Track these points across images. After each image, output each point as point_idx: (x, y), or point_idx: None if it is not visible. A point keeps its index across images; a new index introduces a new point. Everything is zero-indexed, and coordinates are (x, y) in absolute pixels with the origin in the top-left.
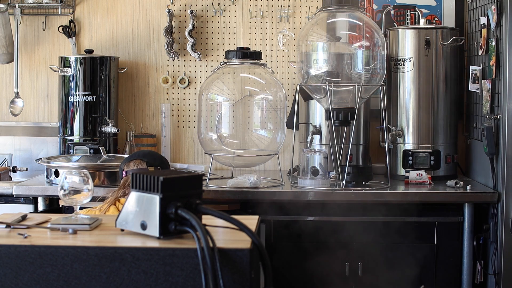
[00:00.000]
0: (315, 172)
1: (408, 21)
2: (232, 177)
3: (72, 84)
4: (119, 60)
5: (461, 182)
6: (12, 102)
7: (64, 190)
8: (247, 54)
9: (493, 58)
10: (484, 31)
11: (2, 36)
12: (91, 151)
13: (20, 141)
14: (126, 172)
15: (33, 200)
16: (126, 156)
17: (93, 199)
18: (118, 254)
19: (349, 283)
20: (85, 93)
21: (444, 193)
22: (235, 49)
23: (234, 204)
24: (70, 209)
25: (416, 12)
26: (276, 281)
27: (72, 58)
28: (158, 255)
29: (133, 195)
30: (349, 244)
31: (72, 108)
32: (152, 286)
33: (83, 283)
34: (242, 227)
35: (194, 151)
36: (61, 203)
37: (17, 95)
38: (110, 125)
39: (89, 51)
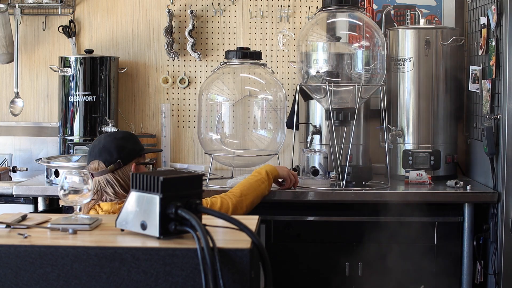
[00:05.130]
0: (315, 172)
1: (408, 21)
2: (232, 177)
3: (72, 84)
4: (119, 60)
5: (461, 182)
6: (12, 102)
7: (64, 190)
8: (247, 54)
9: (493, 58)
10: (484, 31)
11: (2, 36)
12: None
13: (20, 141)
14: (92, 175)
15: (33, 200)
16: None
17: None
18: (118, 254)
19: (349, 283)
20: (85, 93)
21: (444, 193)
22: (235, 49)
23: None
24: (70, 209)
25: (416, 12)
26: (276, 281)
27: (72, 58)
28: (158, 255)
29: (133, 195)
30: (349, 244)
31: (72, 108)
32: (152, 286)
33: (83, 283)
34: (242, 227)
35: (194, 151)
36: (61, 203)
37: (17, 95)
38: (110, 125)
39: (89, 51)
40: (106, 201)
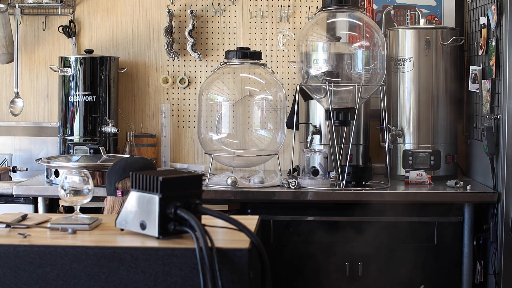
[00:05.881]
0: (315, 172)
1: (408, 21)
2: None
3: (72, 84)
4: (119, 60)
5: (461, 182)
6: (12, 102)
7: (65, 190)
8: (247, 54)
9: (493, 58)
10: (484, 31)
11: (2, 36)
12: (91, 151)
13: (20, 141)
14: (122, 192)
15: (33, 200)
16: (125, 156)
17: (93, 199)
18: (117, 254)
19: (349, 283)
20: (85, 93)
21: (444, 193)
22: (235, 49)
23: (234, 204)
24: (70, 209)
25: (416, 12)
26: (276, 281)
27: (72, 58)
28: (157, 255)
29: (133, 195)
30: (349, 244)
31: (72, 108)
32: (151, 285)
33: (82, 282)
34: (241, 227)
35: (194, 151)
36: (61, 203)
37: (17, 95)
38: (110, 125)
39: (89, 51)
40: None
